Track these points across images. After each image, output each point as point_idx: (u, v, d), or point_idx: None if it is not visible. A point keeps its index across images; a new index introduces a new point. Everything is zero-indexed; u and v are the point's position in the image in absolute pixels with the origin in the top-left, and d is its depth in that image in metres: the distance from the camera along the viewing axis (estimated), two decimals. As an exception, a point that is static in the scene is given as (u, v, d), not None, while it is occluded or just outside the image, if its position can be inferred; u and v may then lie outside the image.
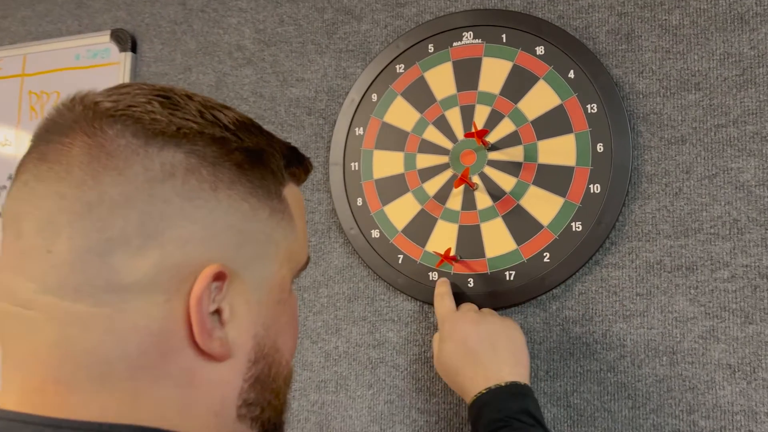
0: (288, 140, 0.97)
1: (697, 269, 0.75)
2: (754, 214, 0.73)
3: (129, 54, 1.08)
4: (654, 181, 0.78)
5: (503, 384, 0.66)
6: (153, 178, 0.40)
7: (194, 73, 1.04)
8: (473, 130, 0.76)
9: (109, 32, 1.10)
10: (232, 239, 0.42)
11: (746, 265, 0.73)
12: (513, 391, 0.66)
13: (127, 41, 1.09)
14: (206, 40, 1.04)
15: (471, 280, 0.83)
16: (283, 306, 0.47)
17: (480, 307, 0.81)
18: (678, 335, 0.75)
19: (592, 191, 0.78)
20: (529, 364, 0.70)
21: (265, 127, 0.95)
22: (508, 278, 0.81)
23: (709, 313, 0.74)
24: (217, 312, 0.42)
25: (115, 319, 0.40)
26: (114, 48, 1.10)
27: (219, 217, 0.42)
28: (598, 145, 0.79)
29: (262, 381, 0.46)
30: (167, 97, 0.43)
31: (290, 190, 0.48)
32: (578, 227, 0.78)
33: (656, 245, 0.77)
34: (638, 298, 0.77)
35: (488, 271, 0.82)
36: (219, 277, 0.41)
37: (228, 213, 0.42)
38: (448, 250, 0.78)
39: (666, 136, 0.78)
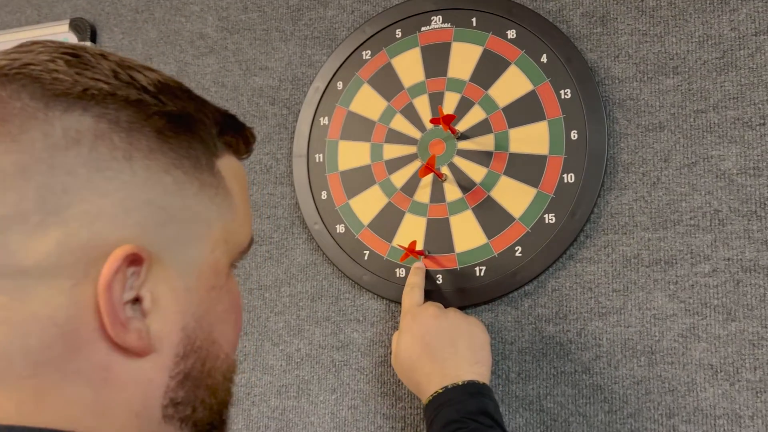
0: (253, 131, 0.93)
1: (676, 263, 0.70)
2: (736, 204, 0.69)
3: (88, 44, 1.03)
4: (631, 171, 0.73)
5: (461, 383, 0.61)
6: (54, 145, 0.36)
7: (155, 62, 0.99)
8: (439, 116, 0.72)
9: (68, 21, 1.05)
10: (151, 217, 0.38)
11: (728, 259, 0.68)
12: (471, 391, 0.61)
13: (86, 31, 1.04)
14: (168, 29, 0.99)
15: (440, 276, 0.78)
16: (219, 293, 0.42)
17: (449, 305, 0.76)
18: (657, 334, 0.70)
19: (565, 181, 0.74)
20: (490, 365, 0.66)
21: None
22: (478, 274, 0.76)
23: (689, 310, 0.69)
24: (137, 300, 0.38)
25: (13, 308, 0.35)
26: (73, 38, 1.05)
27: (134, 191, 0.37)
28: (572, 132, 0.74)
29: (194, 378, 0.41)
30: (76, 56, 0.38)
31: (227, 163, 0.43)
32: (551, 219, 0.74)
33: (633, 238, 0.72)
34: (615, 294, 0.72)
35: (458, 267, 0.77)
36: (135, 260, 0.37)
37: (146, 186, 0.38)
38: (413, 243, 0.73)
39: (643, 122, 0.73)
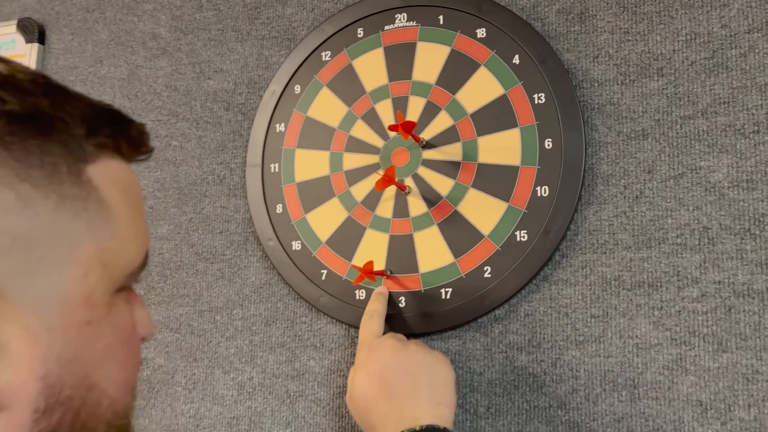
0: (204, 139, 0.87)
1: (661, 286, 0.63)
2: (728, 221, 0.62)
3: (36, 45, 0.97)
4: (611, 183, 0.66)
5: (418, 428, 0.54)
6: None
7: (105, 65, 0.92)
8: (398, 122, 0.65)
9: (15, 22, 0.98)
10: None
11: (718, 282, 0.61)
12: None
13: (33, 31, 0.97)
14: (119, 29, 0.92)
15: (403, 299, 0.71)
16: (98, 328, 0.35)
17: (412, 332, 0.69)
18: (640, 365, 0.63)
19: (539, 194, 0.67)
20: (454, 405, 0.59)
21: (179, 124, 0.86)
22: (444, 296, 0.69)
23: (675, 339, 0.62)
24: None
25: None
26: (20, 39, 0.98)
27: None
28: (546, 141, 0.67)
29: None
30: None
31: (104, 170, 0.36)
32: (523, 237, 0.67)
33: (614, 258, 0.65)
34: (593, 320, 0.65)
35: (422, 289, 0.70)
36: None
37: None
38: (369, 264, 0.66)
39: (625, 130, 0.66)
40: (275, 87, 0.80)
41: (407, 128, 0.65)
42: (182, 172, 0.85)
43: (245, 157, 0.81)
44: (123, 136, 0.38)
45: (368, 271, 0.65)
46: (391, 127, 0.66)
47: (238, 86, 0.84)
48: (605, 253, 0.65)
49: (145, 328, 0.41)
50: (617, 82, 0.67)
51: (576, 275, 0.66)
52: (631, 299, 0.64)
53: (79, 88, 0.92)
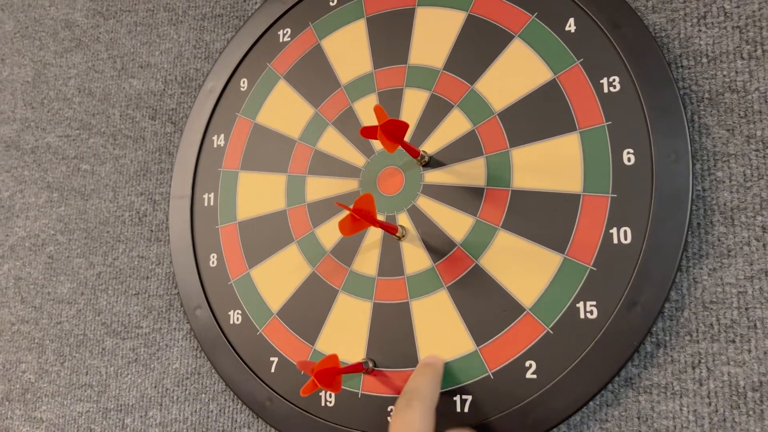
0: (122, 160, 0.61)
1: (844, 405, 0.36)
2: None
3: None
4: (739, 222, 0.39)
5: None
6: None
7: (8, 65, 0.69)
8: (376, 123, 0.39)
9: None
10: None
11: None
12: None
13: (-74, 24, 0.74)
14: (27, 17, 0.69)
15: (392, 408, 0.44)
16: None
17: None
18: None
19: (615, 241, 0.40)
20: None
21: (91, 141, 0.60)
22: (459, 408, 0.42)
23: None
24: None
25: None
26: None
27: None
28: (626, 153, 0.41)
29: None
30: None
31: None
32: (591, 312, 0.40)
33: (749, 350, 0.38)
34: (719, 461, 0.37)
35: (423, 393, 0.43)
36: None
37: None
38: (327, 360, 0.39)
39: (758, 133, 0.40)
40: (213, 83, 0.55)
41: (392, 133, 0.39)
42: (92, 207, 0.60)
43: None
44: None
45: (325, 372, 0.38)
46: (364, 132, 0.40)
47: (168, 86, 0.60)
48: (734, 341, 0.38)
49: None
50: (742, 56, 0.41)
51: (683, 379, 0.39)
52: (787, 427, 0.36)
53: (-27, 95, 0.69)
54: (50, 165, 0.63)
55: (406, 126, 0.39)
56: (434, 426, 0.37)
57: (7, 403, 0.59)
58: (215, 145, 0.54)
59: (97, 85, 0.63)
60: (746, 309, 0.38)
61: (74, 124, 0.63)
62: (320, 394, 0.46)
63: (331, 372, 0.38)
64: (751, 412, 0.37)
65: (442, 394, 0.42)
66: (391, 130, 0.39)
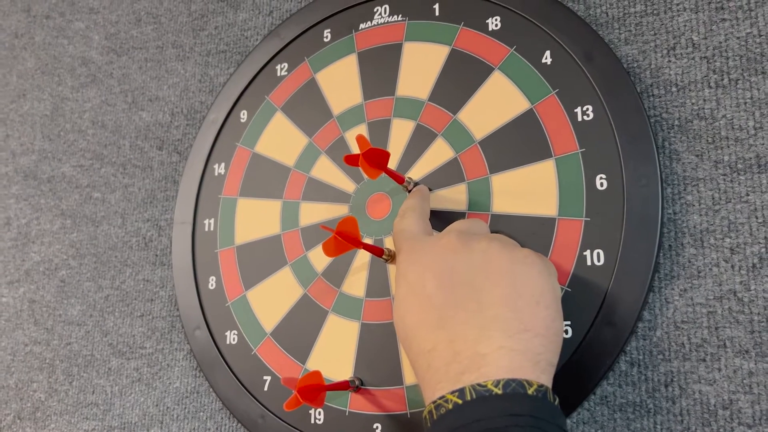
0: (130, 188, 0.64)
1: (811, 423, 0.36)
2: None
3: (-44, 79, 0.79)
4: (708, 244, 0.41)
5: (487, 387, 0.30)
6: None
7: (28, 99, 0.73)
8: (359, 151, 0.41)
9: (-60, 53, 0.81)
10: None
11: None
12: (510, 410, 0.30)
13: (-45, 63, 0.79)
14: (47, 55, 0.74)
15: (379, 426, 0.45)
16: None
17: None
18: None
19: (589, 263, 0.42)
20: (556, 333, 0.34)
21: (103, 170, 0.64)
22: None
23: None
24: None
25: None
26: (-57, 73, 0.81)
27: None
28: (599, 178, 0.43)
29: None
30: None
31: None
32: (566, 331, 0.41)
33: (720, 369, 0.39)
34: (690, 478, 0.38)
35: (407, 411, 0.45)
36: None
37: None
38: (310, 376, 0.41)
39: (726, 158, 0.41)
40: (216, 114, 0.58)
41: (374, 161, 0.41)
42: (102, 233, 0.63)
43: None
44: None
45: (308, 388, 0.40)
46: (347, 160, 0.42)
47: (175, 117, 0.63)
48: (704, 360, 0.39)
49: None
50: (709, 84, 0.43)
51: (656, 398, 0.40)
52: (756, 444, 0.37)
53: (-4, 128, 0.73)
54: (64, 193, 0.67)
55: (387, 154, 0.42)
56: (429, 228, 0.41)
57: (18, 421, 0.62)
58: (216, 174, 0.57)
59: (110, 117, 0.67)
60: (716, 328, 0.39)
61: (87, 154, 0.67)
62: (309, 411, 0.48)
63: (314, 388, 0.40)
64: (721, 430, 0.38)
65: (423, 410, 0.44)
66: (373, 158, 0.41)
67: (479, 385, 0.31)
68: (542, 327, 0.33)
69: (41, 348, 0.63)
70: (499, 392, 0.30)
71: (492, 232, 0.43)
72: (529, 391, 0.30)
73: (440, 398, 0.32)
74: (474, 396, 0.30)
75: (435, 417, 0.32)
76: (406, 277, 0.37)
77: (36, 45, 0.75)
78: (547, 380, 0.32)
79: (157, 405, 0.56)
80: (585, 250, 0.42)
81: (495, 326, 0.32)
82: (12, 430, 0.62)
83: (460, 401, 0.31)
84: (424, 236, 0.39)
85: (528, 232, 0.44)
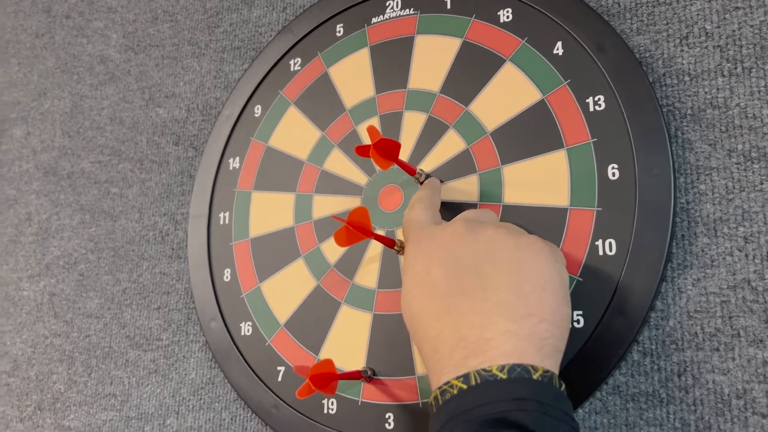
0: (147, 183, 0.65)
1: (826, 412, 0.36)
2: None
3: (-21, 79, 0.81)
4: (722, 233, 0.40)
5: (491, 371, 0.30)
6: None
7: (49, 98, 0.75)
8: (370, 141, 0.41)
9: (-37, 54, 0.83)
10: None
11: None
12: (515, 393, 0.30)
13: (-22, 63, 0.81)
14: (67, 54, 0.75)
15: (391, 415, 0.46)
16: None
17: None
18: None
19: (601, 253, 0.41)
20: (563, 318, 0.34)
21: (120, 166, 0.65)
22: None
23: None
24: None
25: None
26: (-34, 73, 0.82)
27: None
28: (611, 168, 0.43)
29: None
30: None
31: None
32: (578, 321, 0.41)
33: (734, 359, 0.38)
34: (704, 467, 0.38)
35: (419, 401, 0.45)
36: None
37: None
38: (322, 365, 0.41)
39: (739, 147, 0.41)
40: (230, 110, 0.59)
41: (385, 151, 0.41)
42: (119, 227, 0.64)
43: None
44: None
45: (321, 376, 0.40)
46: (358, 150, 0.43)
47: (191, 113, 0.64)
48: (718, 349, 0.39)
49: None
50: (722, 73, 0.42)
51: (669, 387, 0.40)
52: (763, 426, 0.37)
53: (19, 126, 0.75)
54: (83, 189, 0.68)
55: (398, 145, 0.42)
56: (438, 218, 0.42)
57: (39, 412, 0.63)
58: (231, 168, 0.58)
59: (127, 114, 0.68)
60: (729, 318, 0.39)
61: (106, 150, 0.68)
62: (322, 401, 0.48)
63: (326, 376, 0.40)
64: (735, 419, 0.38)
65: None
66: (384, 148, 0.41)
67: (484, 370, 0.31)
68: (548, 312, 0.33)
69: (61, 340, 0.64)
70: (504, 377, 0.30)
71: (501, 221, 0.43)
72: (534, 376, 0.31)
73: (445, 384, 0.32)
74: (479, 381, 0.31)
75: (440, 402, 0.32)
76: (413, 266, 0.37)
77: (56, 44, 0.77)
78: (552, 365, 0.32)
79: (173, 396, 0.57)
80: (597, 240, 0.42)
81: (500, 311, 0.33)
82: (33, 420, 0.63)
83: (465, 386, 0.31)
84: (431, 226, 0.40)
85: (539, 223, 0.44)
